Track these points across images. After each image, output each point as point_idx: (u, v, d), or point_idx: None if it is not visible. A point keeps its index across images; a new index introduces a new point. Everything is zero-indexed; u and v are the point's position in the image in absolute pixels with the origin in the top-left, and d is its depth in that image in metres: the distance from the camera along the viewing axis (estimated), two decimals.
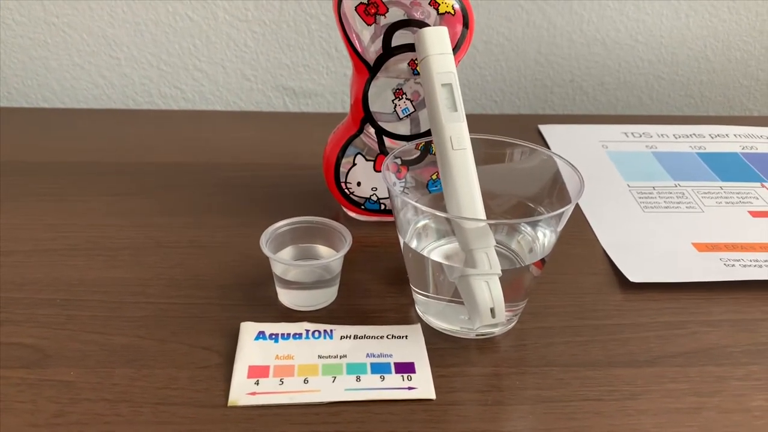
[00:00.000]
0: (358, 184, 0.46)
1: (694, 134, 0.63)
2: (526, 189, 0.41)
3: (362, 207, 0.47)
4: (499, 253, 0.37)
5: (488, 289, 0.36)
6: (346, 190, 0.47)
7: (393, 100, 0.44)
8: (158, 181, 0.53)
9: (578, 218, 0.50)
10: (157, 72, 0.68)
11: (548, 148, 0.60)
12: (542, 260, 0.38)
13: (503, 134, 0.42)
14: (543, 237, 0.38)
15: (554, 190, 0.40)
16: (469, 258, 0.36)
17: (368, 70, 0.43)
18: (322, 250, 0.42)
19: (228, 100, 0.70)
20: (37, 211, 0.48)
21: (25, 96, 0.69)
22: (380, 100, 0.44)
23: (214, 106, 0.70)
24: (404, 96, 0.44)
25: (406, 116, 0.44)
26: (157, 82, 0.69)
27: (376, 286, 0.42)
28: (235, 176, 0.54)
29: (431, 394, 0.34)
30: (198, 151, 0.58)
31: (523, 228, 0.40)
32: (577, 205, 0.51)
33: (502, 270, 0.36)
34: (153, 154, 0.57)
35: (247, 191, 0.52)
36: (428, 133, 0.41)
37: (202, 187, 0.52)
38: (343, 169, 0.46)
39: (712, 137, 0.62)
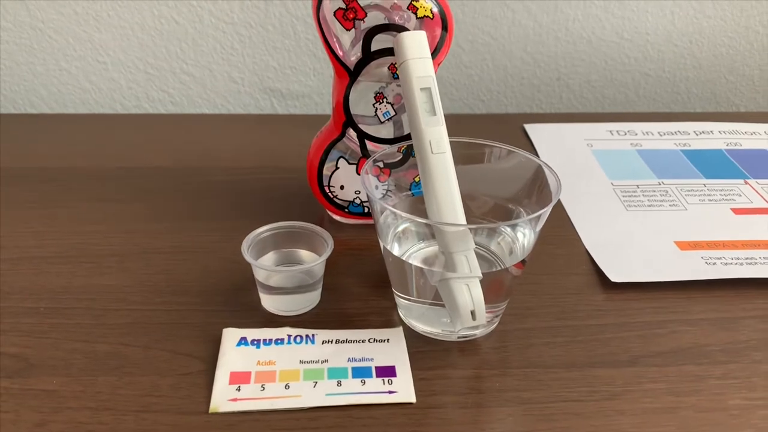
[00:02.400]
0: (341, 187, 0.47)
1: (678, 131, 0.63)
2: (505, 190, 0.41)
3: (346, 210, 0.48)
4: (479, 256, 0.37)
5: (468, 291, 0.36)
6: (329, 194, 0.47)
7: (374, 104, 0.44)
8: (144, 186, 0.53)
9: (561, 218, 0.50)
10: (144, 76, 0.69)
11: (534, 147, 0.60)
12: (522, 261, 0.38)
13: (490, 134, 0.42)
14: (523, 238, 0.39)
15: (533, 191, 0.40)
16: (449, 261, 0.36)
17: (348, 74, 0.43)
18: (304, 254, 0.42)
19: (216, 102, 0.70)
20: (22, 218, 0.49)
21: (12, 102, 0.69)
22: (362, 103, 0.44)
23: (202, 110, 0.70)
24: (385, 99, 0.44)
25: (388, 119, 0.44)
26: (144, 86, 0.69)
27: (359, 290, 0.42)
28: (222, 180, 0.54)
29: (411, 398, 0.34)
30: (185, 155, 0.58)
31: (502, 230, 0.40)
32: (561, 204, 0.52)
33: (482, 272, 0.36)
34: (140, 159, 0.57)
35: (233, 196, 0.52)
36: (410, 136, 0.41)
37: (188, 192, 0.53)
38: (326, 173, 0.46)
39: (696, 134, 0.63)
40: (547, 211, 0.36)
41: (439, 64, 0.43)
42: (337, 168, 0.46)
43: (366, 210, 0.48)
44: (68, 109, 0.69)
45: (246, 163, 0.57)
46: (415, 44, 0.39)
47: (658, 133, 0.63)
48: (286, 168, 0.55)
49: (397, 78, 0.43)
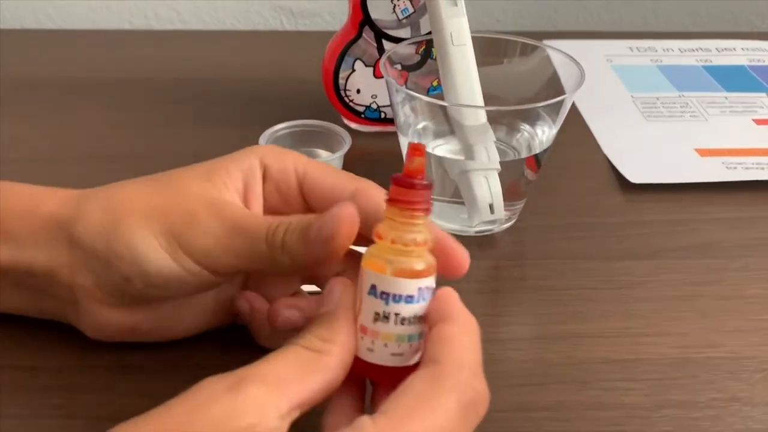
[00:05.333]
0: (358, 91, 0.46)
1: (700, 48, 0.62)
2: (525, 91, 0.41)
3: (362, 116, 0.47)
4: (498, 150, 0.37)
5: (487, 184, 0.36)
6: (345, 98, 0.46)
7: (392, 1, 0.43)
8: (157, 95, 0.53)
9: (581, 127, 0.49)
10: None
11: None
12: (539, 161, 0.38)
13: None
14: (542, 134, 0.38)
15: (552, 91, 0.39)
16: (468, 153, 0.36)
17: None
18: (322, 153, 0.42)
19: (225, 21, 0.69)
20: (37, 123, 0.48)
21: (20, 19, 0.68)
22: (380, 3, 0.43)
23: (211, 27, 0.69)
24: None
25: (406, 17, 0.43)
26: (152, 3, 0.68)
27: None
28: (235, 90, 0.53)
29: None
30: (197, 68, 0.57)
31: (522, 126, 0.40)
32: (580, 114, 0.51)
33: (500, 162, 0.36)
34: (152, 71, 0.57)
35: (247, 103, 0.52)
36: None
37: (201, 100, 0.52)
38: (342, 76, 0.46)
39: (718, 51, 0.61)
40: (568, 100, 0.36)
41: None
42: (353, 71, 0.45)
43: (382, 116, 0.47)
44: (77, 26, 0.68)
45: (258, 74, 0.56)
46: None
47: (679, 49, 0.61)
48: (298, 79, 0.54)
49: None
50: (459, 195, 0.37)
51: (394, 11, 0.43)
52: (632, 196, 0.42)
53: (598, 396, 0.29)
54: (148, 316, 0.28)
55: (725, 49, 0.62)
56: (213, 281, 0.26)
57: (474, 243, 0.38)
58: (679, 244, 0.38)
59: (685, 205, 0.41)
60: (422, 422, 0.19)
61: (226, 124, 0.49)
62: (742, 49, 0.62)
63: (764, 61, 0.60)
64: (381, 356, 0.22)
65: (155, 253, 0.25)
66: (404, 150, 0.39)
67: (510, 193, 0.37)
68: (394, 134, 0.40)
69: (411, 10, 0.43)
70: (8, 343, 0.30)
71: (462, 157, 0.37)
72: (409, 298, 0.21)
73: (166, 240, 0.25)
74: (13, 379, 0.29)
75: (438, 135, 0.40)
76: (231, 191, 0.27)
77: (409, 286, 0.21)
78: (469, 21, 0.42)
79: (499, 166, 0.36)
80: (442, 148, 0.40)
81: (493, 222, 0.38)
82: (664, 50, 0.61)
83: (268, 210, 0.28)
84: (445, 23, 0.37)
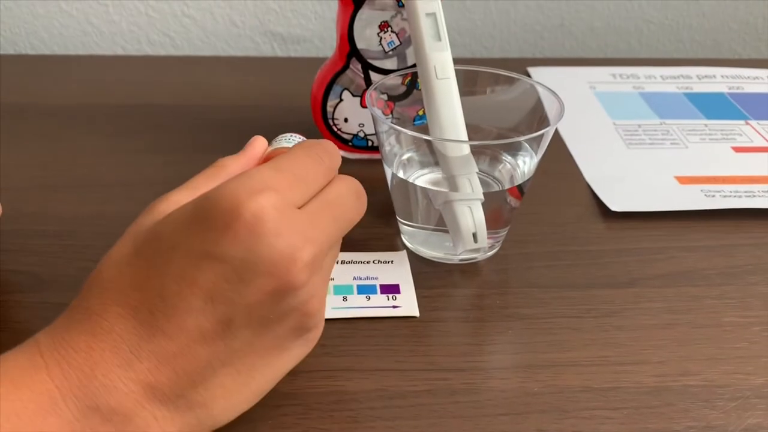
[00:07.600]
0: (345, 120, 0.47)
1: (681, 75, 0.63)
2: (508, 121, 0.42)
3: (350, 144, 0.48)
4: (480, 180, 0.38)
5: (471, 214, 0.37)
6: (333, 127, 0.47)
7: (378, 33, 0.44)
8: (147, 122, 0.53)
9: (562, 154, 0.50)
10: (146, 19, 0.68)
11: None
12: (522, 190, 0.39)
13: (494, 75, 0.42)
14: (523, 165, 0.39)
15: (535, 121, 0.40)
16: (452, 184, 0.37)
17: (353, 1, 0.43)
18: None
19: (216, 46, 0.70)
20: (29, 150, 0.49)
21: (13, 44, 0.69)
22: (366, 35, 0.44)
23: (203, 53, 0.70)
24: (390, 28, 0.44)
25: (392, 50, 0.45)
26: (145, 29, 0.69)
27: (363, 218, 0.42)
28: (226, 117, 0.54)
29: (415, 312, 0.35)
30: (187, 94, 0.58)
31: (504, 157, 0.40)
32: (562, 141, 0.52)
33: (483, 192, 0.37)
34: (142, 98, 0.57)
35: (237, 131, 0.52)
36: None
37: (192, 127, 0.53)
38: (330, 105, 0.47)
39: (699, 78, 0.63)
40: (549, 132, 0.37)
41: None
42: (341, 100, 0.46)
43: (370, 143, 0.48)
44: (70, 51, 0.69)
45: (248, 101, 0.57)
46: None
47: (661, 76, 0.63)
48: (288, 107, 0.55)
49: (402, 6, 0.43)
50: (443, 224, 0.38)
51: (381, 44, 0.44)
52: (612, 223, 0.43)
53: (577, 425, 0.30)
54: None
55: (706, 76, 0.63)
56: None
57: (458, 270, 0.39)
58: (658, 272, 0.39)
59: (664, 233, 0.42)
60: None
61: (217, 150, 0.49)
62: (722, 76, 0.63)
63: (743, 89, 0.61)
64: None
65: None
66: (389, 179, 0.40)
67: (493, 221, 0.38)
68: (381, 162, 0.41)
69: (397, 42, 0.44)
70: None
71: (446, 188, 0.37)
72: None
73: None
74: None
75: (423, 165, 0.41)
76: None
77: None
78: (456, 48, 0.44)
79: (482, 197, 0.37)
80: (426, 178, 0.40)
81: (477, 250, 0.38)
82: (646, 77, 0.63)
83: None
84: (429, 57, 0.38)
